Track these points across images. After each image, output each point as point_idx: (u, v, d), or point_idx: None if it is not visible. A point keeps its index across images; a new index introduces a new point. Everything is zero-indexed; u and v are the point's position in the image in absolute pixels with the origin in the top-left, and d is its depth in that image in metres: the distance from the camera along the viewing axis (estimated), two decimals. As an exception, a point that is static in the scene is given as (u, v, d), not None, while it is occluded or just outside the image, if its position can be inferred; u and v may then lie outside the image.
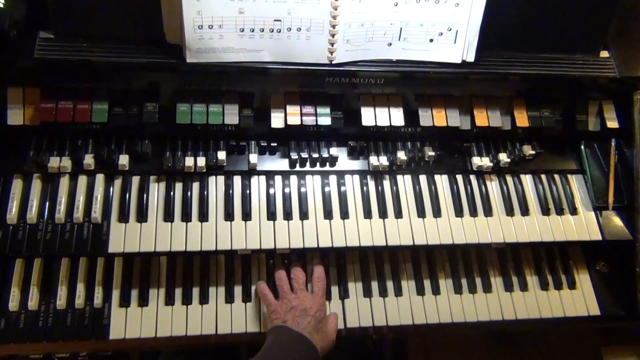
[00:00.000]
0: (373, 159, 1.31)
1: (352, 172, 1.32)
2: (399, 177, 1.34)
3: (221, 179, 1.27)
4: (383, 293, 1.30)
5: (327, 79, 1.23)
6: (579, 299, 1.36)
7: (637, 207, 1.35)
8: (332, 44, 1.16)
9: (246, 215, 1.24)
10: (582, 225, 1.35)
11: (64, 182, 1.22)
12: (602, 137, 1.41)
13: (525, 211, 1.34)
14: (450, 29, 1.21)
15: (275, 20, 1.14)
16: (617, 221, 1.37)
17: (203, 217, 1.22)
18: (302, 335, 1.14)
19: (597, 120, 1.39)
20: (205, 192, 1.25)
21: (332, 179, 1.31)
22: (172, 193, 1.24)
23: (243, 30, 1.14)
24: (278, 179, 1.29)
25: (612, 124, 1.38)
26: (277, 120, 1.25)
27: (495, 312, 1.31)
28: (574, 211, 1.37)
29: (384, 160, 1.31)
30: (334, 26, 1.14)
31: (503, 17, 1.23)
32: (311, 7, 1.12)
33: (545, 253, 1.41)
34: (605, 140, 1.42)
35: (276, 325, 1.16)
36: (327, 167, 1.31)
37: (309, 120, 1.25)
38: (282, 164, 1.30)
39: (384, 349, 2.12)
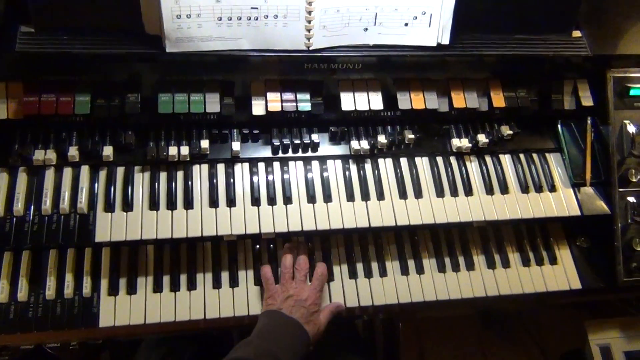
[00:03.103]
0: (354, 144, 1.33)
1: (334, 157, 1.35)
2: (380, 161, 1.36)
3: (205, 167, 1.29)
4: (368, 274, 1.32)
5: (306, 66, 1.26)
6: (560, 274, 1.39)
7: (613, 182, 1.38)
8: (309, 30, 1.18)
9: (231, 202, 1.26)
10: (561, 202, 1.38)
11: (50, 175, 1.23)
12: (578, 116, 1.44)
13: (504, 190, 1.37)
14: (425, 13, 1.23)
15: (252, 8, 1.16)
16: (595, 197, 1.40)
17: (188, 204, 1.24)
18: (297, 321, 1.16)
19: (572, 99, 1.42)
20: (190, 181, 1.27)
21: (315, 164, 1.34)
22: (156, 182, 1.26)
23: (221, 19, 1.16)
24: (261, 165, 1.31)
25: (587, 102, 1.41)
26: (258, 108, 1.27)
27: (479, 289, 1.34)
28: (552, 189, 1.40)
29: (365, 145, 1.33)
30: (310, 12, 1.16)
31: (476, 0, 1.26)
32: (287, -7, 1.14)
33: (526, 230, 1.44)
34: (581, 119, 1.45)
35: (271, 310, 1.19)
36: (310, 153, 1.33)
37: (289, 107, 1.27)
38: (265, 151, 1.32)
39: (376, 339, 2.15)
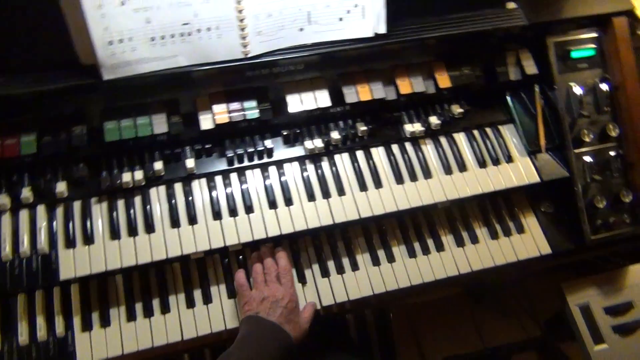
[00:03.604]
0: (308, 143, 1.33)
1: (290, 160, 1.35)
2: (337, 157, 1.37)
3: (162, 188, 1.29)
4: (340, 270, 1.33)
5: (248, 73, 1.26)
6: (529, 242, 1.41)
7: (568, 144, 1.40)
8: (244, 38, 1.18)
9: (192, 219, 1.25)
10: (519, 171, 1.40)
11: (6, 220, 1.21)
12: (525, 85, 1.46)
13: (463, 168, 1.39)
14: (357, 5, 1.24)
15: (183, 24, 1.16)
16: (552, 161, 1.42)
17: (150, 228, 1.24)
18: (275, 324, 1.16)
19: (516, 69, 1.44)
20: (149, 205, 1.26)
21: (272, 169, 1.33)
22: (115, 211, 1.25)
23: (154, 39, 1.15)
24: (218, 179, 1.31)
25: (531, 70, 1.43)
26: (206, 122, 1.27)
27: (451, 268, 1.35)
28: (509, 159, 1.41)
29: (318, 143, 1.33)
30: (242, 20, 1.16)
31: (406, -15, 1.27)
32: (216, 5, 1.14)
33: (490, 204, 1.45)
34: (529, 87, 1.47)
35: (249, 315, 1.18)
36: (265, 159, 1.33)
37: (237, 117, 1.27)
38: (221, 164, 1.31)
39: (369, 332, 2.14)
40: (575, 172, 1.40)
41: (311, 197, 1.31)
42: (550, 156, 1.43)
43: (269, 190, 1.30)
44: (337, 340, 1.76)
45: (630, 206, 1.41)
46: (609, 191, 1.41)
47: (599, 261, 1.67)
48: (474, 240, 1.40)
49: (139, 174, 1.25)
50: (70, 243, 1.20)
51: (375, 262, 1.35)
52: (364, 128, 1.36)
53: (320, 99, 1.31)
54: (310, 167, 1.35)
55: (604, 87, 1.40)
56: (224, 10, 1.14)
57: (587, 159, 1.40)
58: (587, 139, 1.39)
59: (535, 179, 1.40)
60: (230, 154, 1.30)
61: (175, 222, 1.25)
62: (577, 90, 1.39)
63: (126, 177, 1.25)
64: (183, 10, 1.13)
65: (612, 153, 1.41)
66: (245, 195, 1.29)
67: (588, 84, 1.41)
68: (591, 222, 1.39)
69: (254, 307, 1.18)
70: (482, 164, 1.40)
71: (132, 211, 1.25)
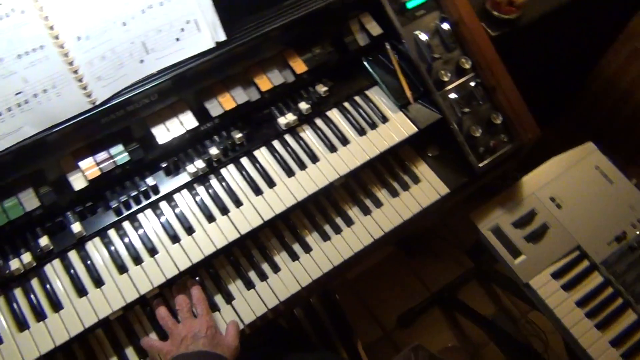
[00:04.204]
0: (190, 168, 1.32)
1: (178, 190, 1.32)
2: (223, 171, 1.36)
3: (57, 262, 1.23)
4: (263, 277, 1.33)
5: (103, 120, 1.22)
6: (427, 188, 1.48)
7: (431, 89, 1.47)
8: (85, 88, 1.14)
9: (98, 282, 1.21)
10: (397, 127, 1.46)
11: None
12: (376, 46, 1.51)
13: (345, 141, 1.42)
14: (189, 21, 1.23)
15: (16, 94, 1.10)
16: (423, 109, 1.49)
17: (56, 306, 1.18)
18: (201, 350, 1.15)
19: (363, 34, 1.49)
20: (48, 284, 1.20)
21: (163, 205, 1.31)
22: (14, 302, 1.18)
23: (-9, 118, 1.09)
24: (112, 233, 1.27)
25: (376, 31, 1.48)
26: (78, 182, 1.22)
27: (365, 237, 1.39)
28: (385, 120, 1.47)
29: (200, 164, 1.32)
30: (75, 72, 1.12)
31: (230, -13, 1.27)
32: (43, 66, 1.10)
33: (382, 166, 1.50)
34: (381, 47, 1.52)
35: (172, 357, 1.16)
36: (153, 197, 1.30)
37: (108, 166, 1.23)
38: (109, 217, 1.27)
39: (323, 321, 2.16)
40: (446, 112, 1.47)
41: (211, 218, 1.30)
42: (420, 104, 1.50)
43: (166, 227, 1.28)
44: (294, 341, 1.78)
45: (503, 126, 1.51)
46: (480, 119, 1.49)
47: (496, 183, 1.76)
48: (378, 204, 1.44)
49: (26, 257, 1.19)
50: (-25, 351, 1.13)
51: (294, 257, 1.36)
52: (240, 135, 1.36)
53: (186, 121, 1.29)
54: (201, 190, 1.33)
55: (445, 26, 1.48)
56: (52, 68, 1.10)
57: (452, 96, 1.47)
58: (446, 79, 1.46)
59: (413, 129, 1.46)
60: (115, 204, 1.27)
61: (81, 291, 1.20)
62: (423, 36, 1.46)
63: (14, 264, 1.18)
64: (10, 80, 1.08)
65: (472, 84, 1.50)
66: (144, 239, 1.26)
67: (431, 28, 1.48)
68: (474, 151, 1.48)
69: (175, 351, 1.16)
70: (361, 131, 1.44)
71: (32, 296, 1.19)
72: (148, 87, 1.23)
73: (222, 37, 1.26)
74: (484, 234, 1.58)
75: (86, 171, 1.22)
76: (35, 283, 1.20)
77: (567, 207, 1.62)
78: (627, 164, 2.74)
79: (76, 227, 1.22)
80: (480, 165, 1.48)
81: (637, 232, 1.62)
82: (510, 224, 1.60)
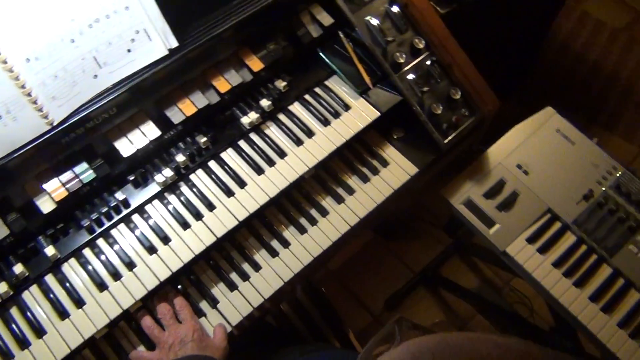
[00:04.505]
0: (159, 177, 1.31)
1: (149, 201, 1.32)
2: (192, 177, 1.36)
3: (34, 288, 1.21)
4: (245, 277, 1.34)
5: (64, 140, 1.20)
6: (396, 170, 1.49)
7: (388, 72, 1.49)
8: (41, 110, 1.13)
9: (79, 302, 1.20)
10: (359, 113, 1.48)
11: None
12: (330, 35, 1.52)
13: (310, 133, 1.43)
14: (138, 31, 1.22)
15: (-30, 123, 1.08)
16: (383, 92, 1.51)
17: (40, 332, 1.17)
18: (191, 355, 1.15)
19: (315, 25, 1.50)
20: (28, 311, 1.19)
21: (136, 218, 1.30)
22: (-5, 334, 1.16)
23: (-53, 151, 1.07)
24: (87, 252, 1.26)
25: (327, 20, 1.49)
26: (45, 204, 1.21)
27: (342, 226, 1.41)
28: (347, 108, 1.48)
29: (168, 173, 1.32)
30: (29, 94, 1.11)
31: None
32: (-6, 91, 1.08)
33: (350, 153, 1.52)
34: (335, 36, 1.53)
35: None
36: (125, 211, 1.29)
37: (74, 185, 1.22)
38: (82, 237, 1.26)
39: (313, 317, 2.17)
40: (406, 93, 1.49)
41: (185, 225, 1.30)
42: (380, 88, 1.52)
43: (142, 239, 1.27)
44: (283, 338, 1.79)
45: (463, 100, 1.54)
46: (440, 96, 1.52)
47: (463, 157, 1.79)
48: (351, 191, 1.46)
49: (2, 287, 1.17)
50: (-39, 388, 1.11)
51: (274, 253, 1.37)
52: (205, 139, 1.36)
53: (148, 131, 1.29)
54: (172, 198, 1.33)
55: (395, 9, 1.50)
56: (4, 93, 1.08)
57: (410, 76, 1.49)
58: (402, 60, 1.48)
59: (376, 114, 1.48)
60: (86, 223, 1.25)
61: (63, 314, 1.19)
62: (374, 21, 1.47)
63: (-10, 295, 1.16)
64: (-38, 110, 1.06)
65: (428, 63, 1.52)
66: (121, 254, 1.25)
67: (381, 12, 1.50)
68: (438, 128, 1.50)
69: (165, 359, 1.16)
70: (325, 122, 1.45)
71: (13, 326, 1.17)
72: (105, 101, 1.22)
73: (174, 43, 1.26)
74: (456, 208, 1.61)
75: (53, 193, 1.20)
76: (14, 312, 1.19)
77: (533, 172, 1.66)
78: (587, 124, 2.82)
79: (50, 251, 1.21)
80: (445, 141, 1.50)
81: (603, 189, 1.66)
82: (481, 195, 1.63)
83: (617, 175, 1.68)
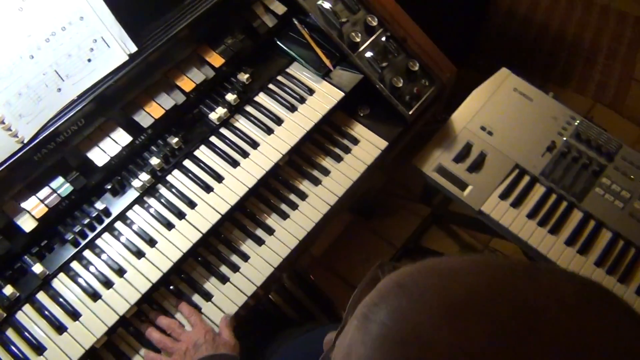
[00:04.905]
0: (136, 183, 1.32)
1: (130, 207, 1.33)
2: (170, 177, 1.37)
3: (27, 307, 1.21)
4: (235, 269, 1.36)
5: (36, 157, 1.20)
6: (367, 146, 1.53)
7: (346, 52, 1.53)
8: (9, 129, 1.13)
9: (74, 315, 1.21)
10: (324, 96, 1.51)
11: None
12: (285, 23, 1.55)
13: (279, 122, 1.46)
14: (96, 40, 1.23)
15: (-60, 151, 1.08)
16: (344, 72, 1.55)
17: (38, 350, 1.17)
18: (206, 356, 1.17)
19: (269, 15, 1.52)
20: (25, 331, 1.19)
21: (119, 225, 1.31)
22: (-6, 358, 1.16)
23: None
24: (75, 265, 1.26)
25: (280, 9, 1.52)
26: (27, 223, 1.21)
27: (321, 206, 1.44)
28: (311, 92, 1.51)
29: (145, 177, 1.33)
30: (-5, 114, 1.11)
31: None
32: (-40, 116, 1.07)
33: (320, 136, 1.55)
34: (290, 23, 1.56)
35: None
36: (107, 220, 1.30)
37: (53, 200, 1.22)
38: (68, 251, 1.26)
39: (304, 304, 2.20)
40: (366, 71, 1.53)
41: (169, 225, 1.31)
42: (341, 69, 1.55)
43: (128, 245, 1.28)
44: (278, 323, 1.81)
45: (421, 71, 1.58)
46: (399, 69, 1.56)
47: (429, 128, 1.84)
48: (326, 172, 1.49)
49: (-6, 310, 1.17)
50: (-32, 416, 1.11)
51: (259, 242, 1.39)
52: (176, 139, 1.37)
53: (119, 138, 1.30)
54: (152, 201, 1.34)
55: (345, -10, 1.53)
56: (-30, 115, 1.08)
57: (368, 54, 1.53)
58: (358, 40, 1.52)
59: (340, 94, 1.51)
60: (70, 236, 1.26)
61: (60, 328, 1.19)
62: (326, 4, 1.51)
63: (-17, 321, 1.16)
64: None
65: (383, 39, 1.56)
66: (109, 262, 1.26)
67: (332, -6, 1.54)
68: (401, 101, 1.54)
69: None
70: (292, 108, 1.48)
71: (12, 347, 1.17)
72: (72, 114, 1.22)
73: (133, 48, 1.27)
74: (429, 176, 1.66)
75: (32, 210, 1.21)
76: (11, 333, 1.19)
77: (497, 132, 1.72)
78: (542, 83, 2.91)
79: (37, 268, 1.21)
80: (410, 112, 1.55)
81: (565, 139, 1.74)
82: (451, 160, 1.68)
83: (576, 124, 1.75)
